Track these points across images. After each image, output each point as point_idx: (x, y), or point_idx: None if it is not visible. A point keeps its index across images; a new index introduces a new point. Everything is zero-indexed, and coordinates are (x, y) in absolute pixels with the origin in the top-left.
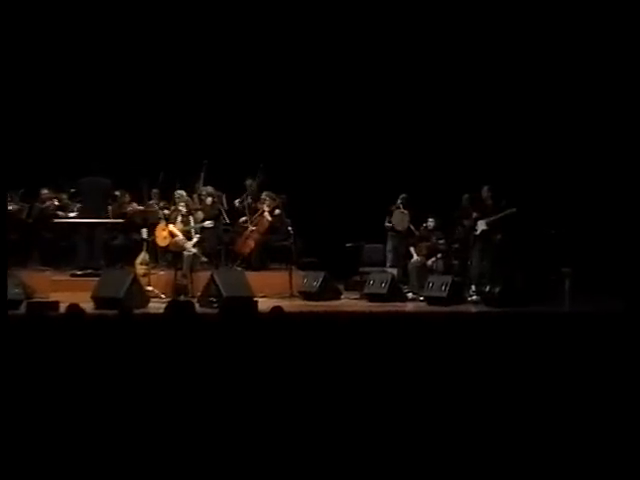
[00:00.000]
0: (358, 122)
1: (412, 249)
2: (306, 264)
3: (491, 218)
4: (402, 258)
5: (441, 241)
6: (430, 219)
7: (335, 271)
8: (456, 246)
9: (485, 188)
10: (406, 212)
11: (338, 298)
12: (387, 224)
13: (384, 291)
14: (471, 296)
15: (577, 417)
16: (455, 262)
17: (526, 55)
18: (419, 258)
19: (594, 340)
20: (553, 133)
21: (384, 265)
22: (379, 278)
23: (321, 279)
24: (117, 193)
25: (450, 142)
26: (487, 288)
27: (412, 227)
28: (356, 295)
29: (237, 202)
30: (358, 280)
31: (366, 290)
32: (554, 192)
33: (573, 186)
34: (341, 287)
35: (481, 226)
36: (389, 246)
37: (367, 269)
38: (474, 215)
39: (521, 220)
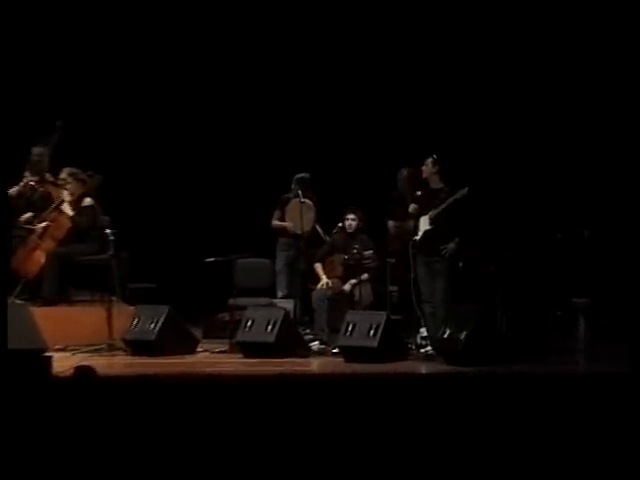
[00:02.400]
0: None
1: (318, 267)
2: (137, 293)
3: (436, 210)
4: (302, 282)
5: (368, 252)
6: (350, 215)
7: (187, 305)
8: (393, 261)
9: (429, 161)
10: (310, 204)
11: (192, 350)
12: (275, 223)
13: (271, 339)
14: (420, 346)
15: None
16: (393, 288)
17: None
18: (330, 281)
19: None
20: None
21: (272, 294)
22: (262, 317)
23: (162, 319)
24: None
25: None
26: (445, 332)
27: (319, 229)
28: (223, 345)
29: (16, 188)
30: (226, 320)
31: (239, 337)
32: (563, 176)
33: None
34: (198, 332)
35: (423, 225)
36: (280, 262)
37: (242, 301)
38: (411, 207)
39: (492, 213)
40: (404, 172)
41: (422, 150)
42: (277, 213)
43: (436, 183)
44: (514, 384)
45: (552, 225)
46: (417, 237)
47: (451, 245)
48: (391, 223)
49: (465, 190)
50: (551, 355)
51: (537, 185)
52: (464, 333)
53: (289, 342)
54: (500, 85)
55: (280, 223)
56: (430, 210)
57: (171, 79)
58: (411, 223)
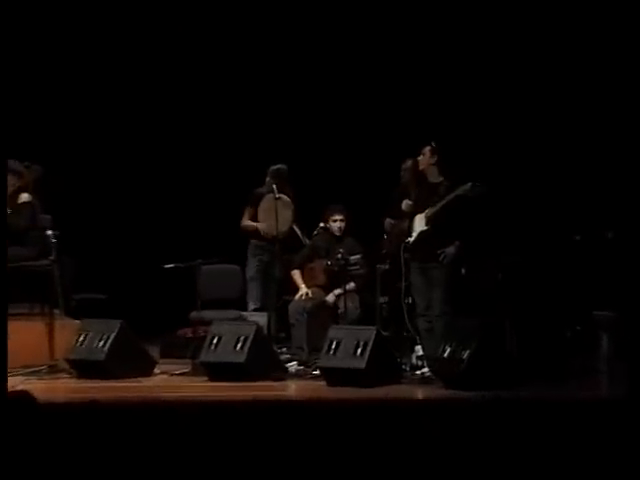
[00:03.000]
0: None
1: (296, 274)
2: (83, 305)
3: (433, 208)
4: (277, 292)
5: (354, 257)
6: (338, 216)
7: (142, 320)
8: (385, 267)
9: (426, 149)
10: (287, 200)
11: (148, 372)
12: (246, 223)
13: (241, 359)
14: (415, 367)
15: None
16: (383, 300)
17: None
18: (310, 291)
19: None
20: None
21: (242, 306)
22: (230, 334)
23: (113, 336)
24: None
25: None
26: (445, 351)
27: (298, 230)
28: (185, 366)
29: None
30: (189, 337)
31: (204, 357)
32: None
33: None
34: (155, 351)
35: (419, 225)
36: (252, 268)
37: (207, 314)
38: (404, 203)
39: (499, 211)
40: (409, 163)
41: (422, 137)
42: (248, 211)
43: (435, 176)
44: (524, 412)
45: (570, 225)
46: (411, 239)
47: (451, 249)
48: (388, 221)
49: (468, 185)
50: (569, 378)
51: (552, 179)
52: (466, 352)
53: (262, 362)
54: (512, 68)
55: (252, 223)
56: (427, 207)
57: (127, 65)
58: (405, 223)
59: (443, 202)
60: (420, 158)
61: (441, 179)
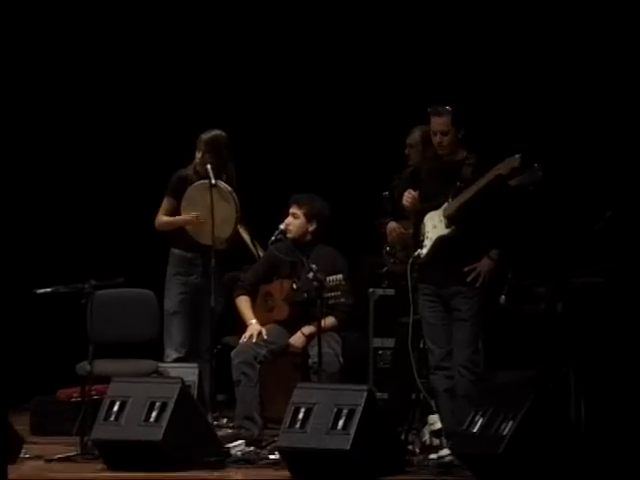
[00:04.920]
0: None
1: (243, 303)
2: None
3: (457, 200)
4: (213, 330)
5: (334, 278)
6: (291, 209)
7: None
8: (382, 293)
9: (443, 115)
10: (228, 190)
11: (13, 457)
12: (162, 220)
13: (157, 436)
14: (430, 447)
15: None
16: (381, 343)
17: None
18: (265, 329)
19: None
20: None
21: (157, 352)
22: (140, 397)
23: None
24: None
25: None
26: (474, 423)
27: (246, 235)
28: (69, 446)
29: None
30: (74, 401)
31: (99, 433)
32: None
33: None
34: (23, 423)
35: (434, 228)
36: (173, 295)
37: (102, 366)
38: (406, 196)
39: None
40: (417, 133)
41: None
42: (168, 203)
43: (455, 151)
44: None
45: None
46: (423, 250)
47: (485, 264)
48: (392, 225)
49: (516, 158)
50: None
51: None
52: (508, 425)
53: (189, 442)
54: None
55: (172, 219)
56: (443, 200)
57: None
58: (410, 230)
59: (474, 189)
60: (433, 124)
61: (464, 154)
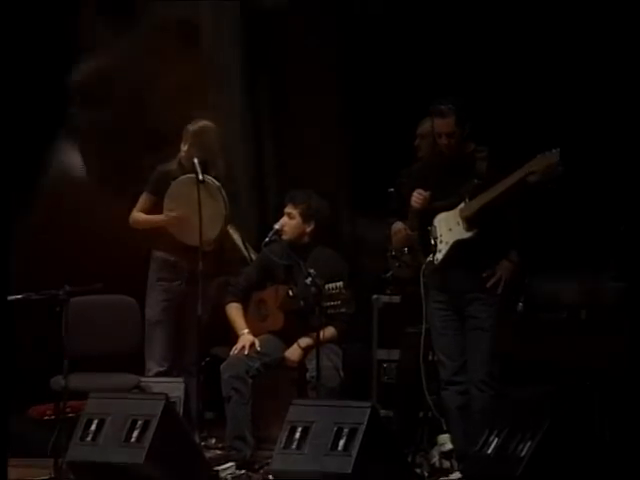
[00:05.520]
0: None
1: (234, 311)
2: None
3: (480, 199)
4: (200, 342)
5: (334, 285)
6: (286, 208)
7: None
8: (388, 300)
9: (446, 116)
10: (217, 185)
11: None
12: (138, 217)
13: (138, 458)
14: (440, 470)
15: None
16: (385, 356)
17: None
18: (258, 340)
19: None
20: None
21: (138, 366)
22: (120, 415)
23: None
24: None
25: None
26: (489, 444)
27: (237, 236)
28: (42, 469)
29: None
30: (49, 419)
31: (75, 454)
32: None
33: None
34: None
35: (447, 232)
36: (155, 303)
37: (79, 380)
38: (416, 195)
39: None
40: (428, 123)
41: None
42: (146, 200)
43: (462, 145)
44: None
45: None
46: (438, 255)
47: (504, 267)
48: (398, 226)
49: (555, 152)
50: None
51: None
52: (527, 445)
53: (175, 464)
54: None
55: (150, 218)
56: (459, 199)
57: None
58: (415, 233)
59: (500, 188)
60: (436, 120)
61: (472, 146)
